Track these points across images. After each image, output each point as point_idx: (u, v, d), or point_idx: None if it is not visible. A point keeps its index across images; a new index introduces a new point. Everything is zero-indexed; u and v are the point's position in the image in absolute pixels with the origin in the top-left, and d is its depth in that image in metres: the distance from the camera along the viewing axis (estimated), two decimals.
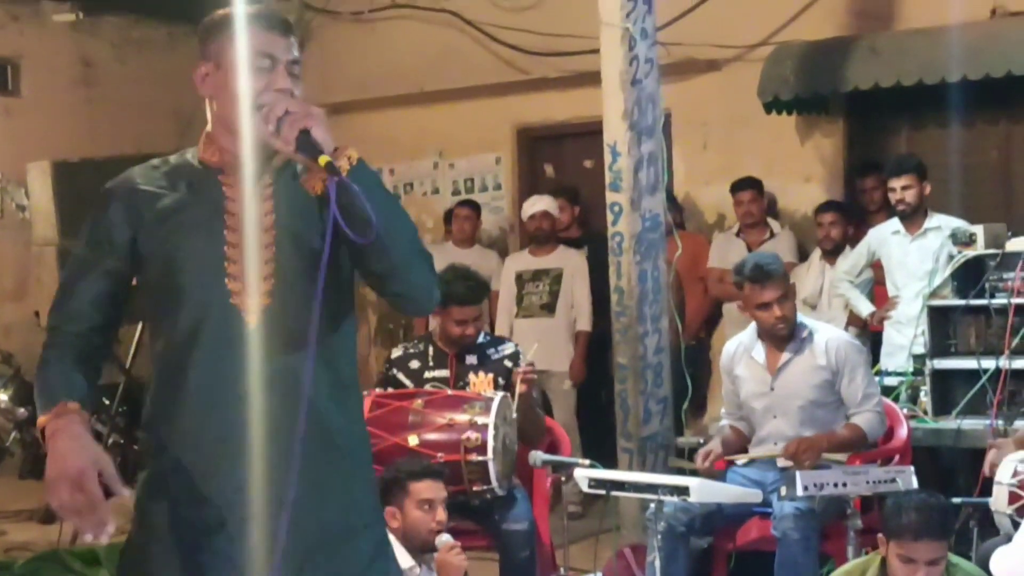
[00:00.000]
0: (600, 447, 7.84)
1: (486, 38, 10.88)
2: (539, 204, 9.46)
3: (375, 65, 11.33)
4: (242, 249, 3.16)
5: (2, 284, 12.17)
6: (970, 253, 6.93)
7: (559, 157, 11.14)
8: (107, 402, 9.13)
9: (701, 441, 6.39)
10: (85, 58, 12.90)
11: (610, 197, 7.32)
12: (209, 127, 3.26)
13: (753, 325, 6.27)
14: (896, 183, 7.77)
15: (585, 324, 9.23)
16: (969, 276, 6.92)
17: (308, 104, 3.08)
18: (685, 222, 9.72)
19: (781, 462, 6.00)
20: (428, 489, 5.15)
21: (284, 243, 3.18)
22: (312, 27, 12.07)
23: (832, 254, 8.62)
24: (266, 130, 3.05)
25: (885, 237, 7.98)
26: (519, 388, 5.87)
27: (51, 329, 3.22)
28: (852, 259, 8.26)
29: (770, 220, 9.28)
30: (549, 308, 9.26)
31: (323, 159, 2.94)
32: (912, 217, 7.78)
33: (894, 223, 7.92)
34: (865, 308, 8.11)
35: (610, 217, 7.32)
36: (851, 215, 8.81)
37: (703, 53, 9.72)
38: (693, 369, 7.82)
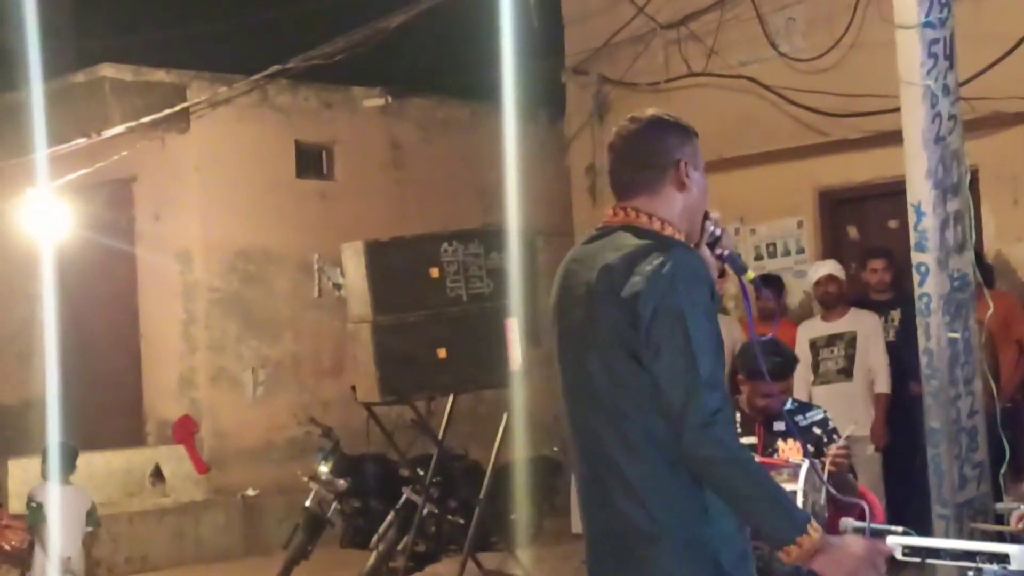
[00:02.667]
0: (907, 514, 7.63)
1: (784, 102, 10.83)
2: (823, 269, 9.37)
3: None
4: None
5: (321, 361, 12.69)
6: None
7: (862, 218, 10.97)
8: (421, 473, 9.36)
9: (1021, 507, 6.15)
10: (393, 140, 13.40)
11: (916, 257, 7.16)
12: (668, 214, 3.73)
13: None
14: None
15: (884, 386, 9.05)
16: None
17: None
18: (996, 280, 9.42)
19: None
20: None
21: None
22: (611, 99, 12.24)
23: None
24: (708, 235, 3.84)
25: None
26: (829, 468, 5.76)
27: (721, 411, 3.49)
28: None
29: None
30: (846, 373, 9.12)
31: (751, 275, 3.97)
32: None
33: None
34: None
35: (916, 278, 7.15)
36: None
37: (1010, 106, 9.44)
38: (1011, 433, 7.54)
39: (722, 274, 3.90)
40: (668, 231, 3.68)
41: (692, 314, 3.48)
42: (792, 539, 3.42)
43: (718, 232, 3.84)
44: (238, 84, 12.12)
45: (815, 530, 3.44)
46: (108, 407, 12.81)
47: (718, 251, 3.86)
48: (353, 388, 9.02)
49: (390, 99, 13.20)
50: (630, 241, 3.62)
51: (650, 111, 3.81)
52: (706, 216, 3.83)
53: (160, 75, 12.43)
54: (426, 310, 8.65)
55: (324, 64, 11.15)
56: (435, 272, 8.66)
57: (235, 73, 12.10)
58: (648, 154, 3.72)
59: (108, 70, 12.27)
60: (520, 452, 10.74)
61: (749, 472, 3.45)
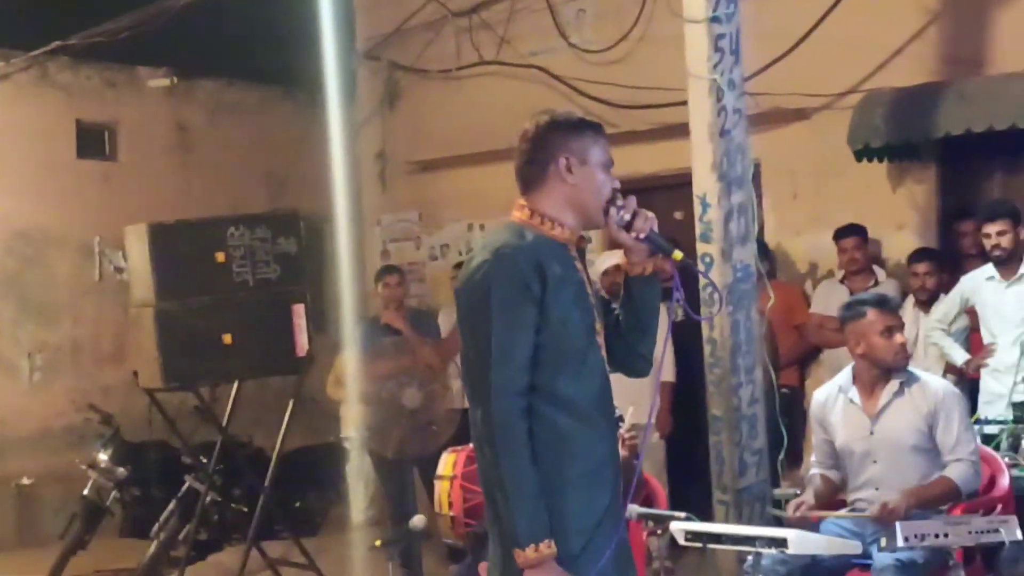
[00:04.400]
0: (689, 500, 7.77)
1: (574, 92, 10.92)
2: (611, 259, 9.46)
3: (464, 122, 11.40)
4: (599, 315, 3.97)
5: (101, 346, 12.36)
6: None
7: (649, 209, 11.08)
8: (204, 460, 9.21)
9: (797, 492, 6.31)
10: (180, 122, 13.12)
11: (701, 248, 7.31)
12: (550, 208, 3.96)
13: (848, 370, 6.21)
14: (991, 228, 7.68)
15: (668, 375, 9.19)
16: None
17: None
18: (777, 272, 9.66)
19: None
20: None
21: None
22: (401, 86, 12.21)
23: (927, 304, 8.51)
24: (617, 220, 3.94)
25: (979, 284, 7.87)
26: (622, 454, 5.84)
27: (507, 387, 3.75)
28: (945, 307, 8.16)
29: (875, 267, 9.16)
30: None
31: (678, 254, 3.96)
32: (1007, 263, 7.68)
33: (988, 269, 7.82)
34: (959, 356, 8.00)
35: (701, 268, 7.30)
36: (945, 263, 8.70)
37: (791, 102, 9.68)
38: (788, 420, 7.74)
39: (652, 254, 4.02)
40: (546, 225, 3.93)
41: (497, 315, 3.77)
42: (520, 545, 3.70)
43: (628, 217, 3.97)
44: (16, 60, 11.73)
45: (546, 549, 3.70)
46: None
47: (634, 234, 3.97)
48: (135, 374, 8.81)
49: (176, 80, 12.92)
50: (487, 239, 3.94)
51: (549, 112, 4.08)
52: (612, 203, 3.97)
53: None
54: (211, 295, 8.48)
55: (108, 42, 10.86)
56: (221, 256, 8.49)
57: (13, 49, 11.71)
58: (531, 152, 4.01)
59: None
60: (309, 439, 10.66)
61: (517, 466, 3.73)
